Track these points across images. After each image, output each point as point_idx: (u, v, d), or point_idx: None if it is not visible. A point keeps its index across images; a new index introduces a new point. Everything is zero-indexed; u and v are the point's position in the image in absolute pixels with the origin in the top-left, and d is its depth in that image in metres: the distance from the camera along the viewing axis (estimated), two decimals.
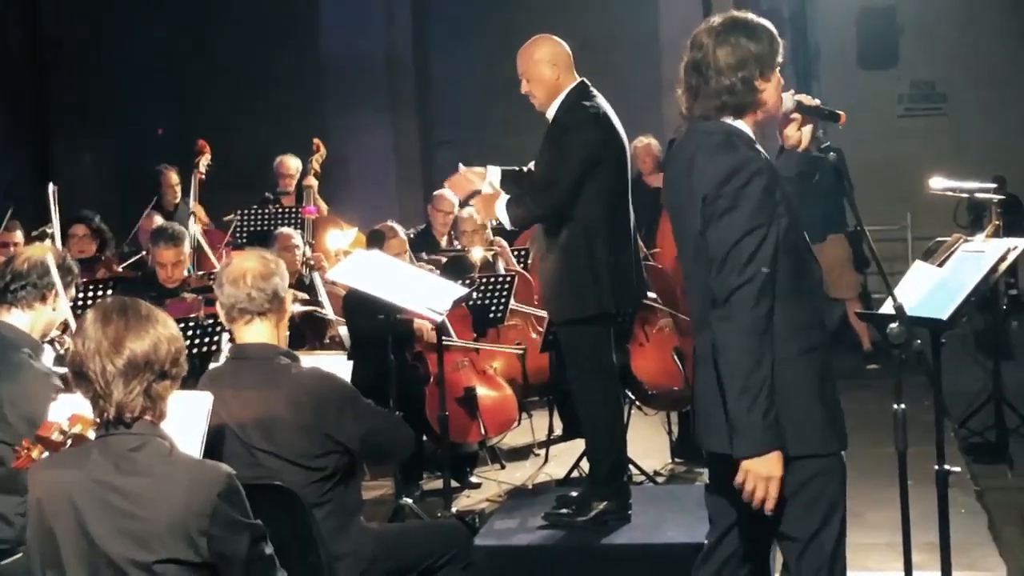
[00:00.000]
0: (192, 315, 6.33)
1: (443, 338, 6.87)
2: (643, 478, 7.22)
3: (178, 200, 10.20)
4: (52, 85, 13.87)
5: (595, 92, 5.78)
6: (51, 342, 4.86)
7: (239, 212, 9.62)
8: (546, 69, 5.72)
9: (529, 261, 8.47)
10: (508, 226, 5.96)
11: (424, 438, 7.31)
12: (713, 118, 3.75)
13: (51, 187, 5.74)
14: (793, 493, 3.66)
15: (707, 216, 3.61)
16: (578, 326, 5.72)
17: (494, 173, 5.88)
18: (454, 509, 6.78)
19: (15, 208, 10.74)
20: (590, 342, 5.72)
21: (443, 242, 9.18)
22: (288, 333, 4.60)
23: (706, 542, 4.01)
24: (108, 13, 13.56)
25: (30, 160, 13.59)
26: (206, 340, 6.21)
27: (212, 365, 4.73)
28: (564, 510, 5.79)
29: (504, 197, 5.78)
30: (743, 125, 3.75)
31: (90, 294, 6.94)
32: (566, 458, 7.67)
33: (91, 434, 3.47)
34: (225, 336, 5.21)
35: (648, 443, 7.96)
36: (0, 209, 10.60)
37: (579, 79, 5.78)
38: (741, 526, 3.86)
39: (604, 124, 5.69)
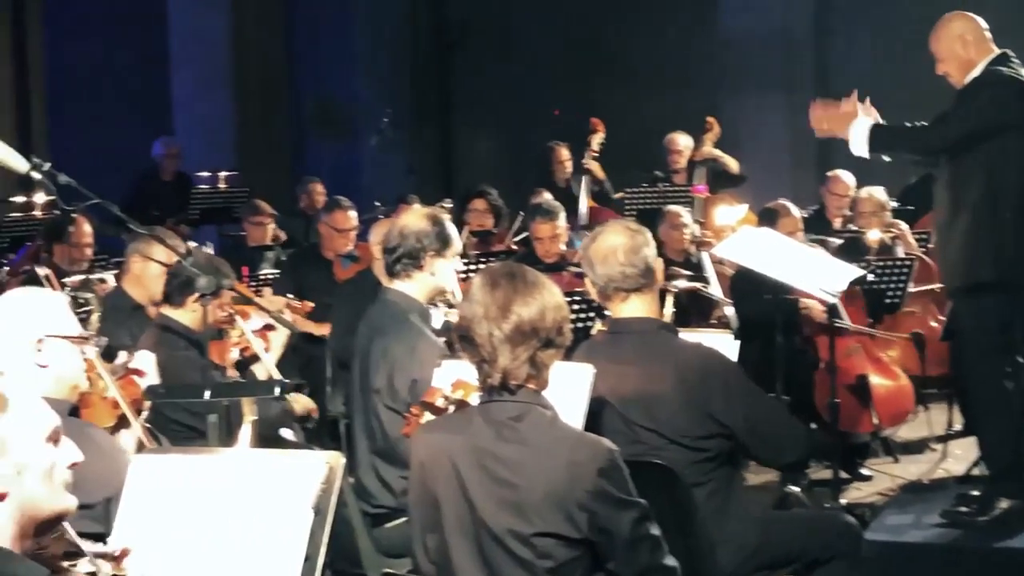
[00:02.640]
0: (576, 289, 6.32)
1: (835, 321, 6.57)
2: None
3: (568, 176, 10.28)
4: (456, 66, 14.30)
5: (1018, 63, 5.45)
6: (435, 306, 4.91)
7: (628, 190, 9.59)
8: (957, 46, 5.48)
9: (931, 244, 8.01)
10: (858, 153, 5.63)
11: (813, 426, 7.04)
12: None
13: None
14: None
15: None
16: (972, 295, 5.35)
17: (862, 126, 5.59)
18: (843, 501, 6.49)
19: (418, 184, 11.17)
20: (982, 314, 5.33)
21: (837, 223, 8.84)
22: (674, 310, 4.47)
23: None
24: None
25: (432, 138, 14.08)
26: (590, 315, 6.17)
27: None
28: (963, 508, 5.41)
29: (863, 119, 5.52)
30: None
31: (481, 266, 7.06)
32: (967, 455, 7.20)
33: (473, 400, 3.46)
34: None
35: None
36: (403, 185, 11.04)
37: (998, 51, 5.48)
38: None
39: (1019, 88, 5.34)
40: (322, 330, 6.83)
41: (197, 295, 5.14)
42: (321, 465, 2.91)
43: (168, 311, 5.34)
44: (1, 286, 7.59)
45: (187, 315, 5.29)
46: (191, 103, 12.91)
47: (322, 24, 13.58)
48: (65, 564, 2.63)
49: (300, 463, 2.96)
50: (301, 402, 5.59)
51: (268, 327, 5.69)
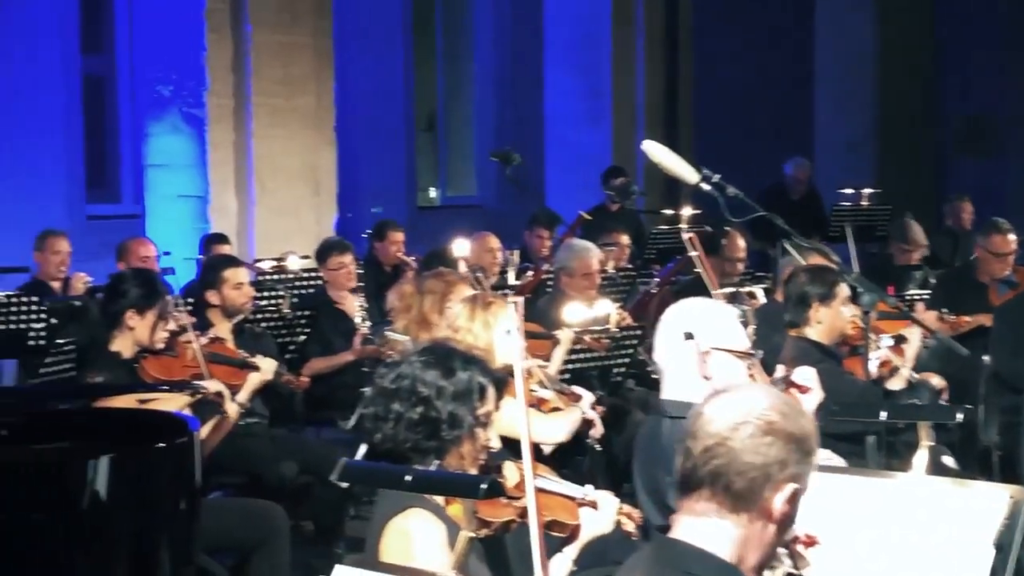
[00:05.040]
0: None
1: None
2: None
3: None
4: None
5: None
6: None
7: None
8: None
9: None
10: None
11: None
12: None
13: None
14: None
15: None
16: None
17: None
18: None
19: None
20: None
21: None
22: None
23: None
24: None
25: None
26: None
27: None
28: None
29: None
30: None
31: None
32: None
33: None
34: None
35: None
36: None
37: None
38: None
39: None
40: None
41: (813, 307, 5.07)
42: (1004, 499, 2.71)
43: (798, 332, 5.30)
44: (650, 296, 7.89)
45: (813, 330, 5.26)
46: (832, 121, 12.87)
47: (970, 40, 13.07)
48: None
49: (980, 495, 2.78)
50: None
51: (900, 340, 5.54)
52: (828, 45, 12.94)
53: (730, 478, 2.27)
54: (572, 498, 3.35)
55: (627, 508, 3.46)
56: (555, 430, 4.74)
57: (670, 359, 3.71)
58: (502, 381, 3.33)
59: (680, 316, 3.77)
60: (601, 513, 3.37)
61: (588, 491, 3.40)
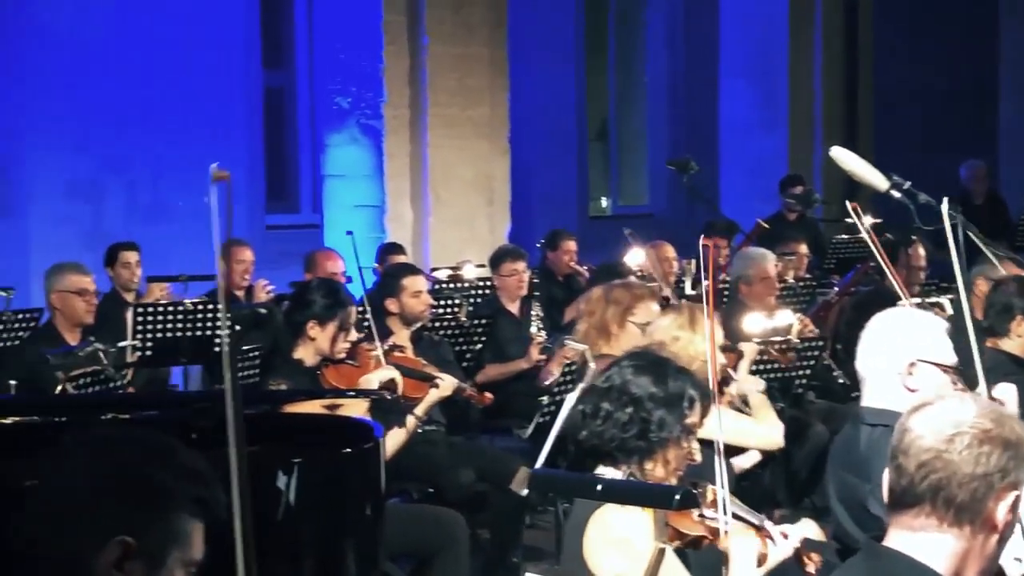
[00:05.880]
0: None
1: None
2: None
3: None
4: None
5: None
6: None
7: None
8: None
9: None
10: None
11: None
12: None
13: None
14: None
15: None
16: None
17: None
18: None
19: None
20: None
21: None
22: None
23: None
24: None
25: None
26: None
27: None
28: None
29: None
30: None
31: None
32: None
33: None
34: None
35: None
36: None
37: None
38: None
39: None
40: None
41: (1017, 319, 4.96)
42: None
43: (994, 343, 5.15)
44: (829, 306, 7.73)
45: (1011, 343, 5.18)
46: (1018, 128, 12.53)
47: None
48: None
49: None
50: None
51: None
52: (1013, 49, 12.58)
53: (951, 491, 2.19)
54: (760, 528, 3.30)
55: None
56: (773, 433, 4.72)
57: (872, 367, 3.65)
58: (710, 395, 3.31)
59: (886, 325, 3.71)
60: (786, 545, 3.31)
61: (769, 523, 3.34)
